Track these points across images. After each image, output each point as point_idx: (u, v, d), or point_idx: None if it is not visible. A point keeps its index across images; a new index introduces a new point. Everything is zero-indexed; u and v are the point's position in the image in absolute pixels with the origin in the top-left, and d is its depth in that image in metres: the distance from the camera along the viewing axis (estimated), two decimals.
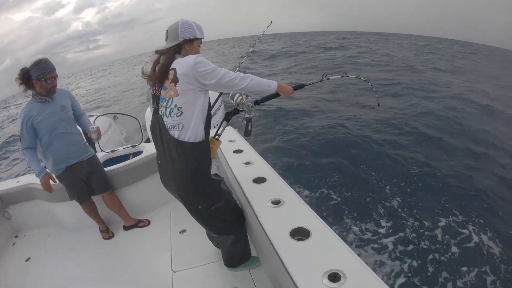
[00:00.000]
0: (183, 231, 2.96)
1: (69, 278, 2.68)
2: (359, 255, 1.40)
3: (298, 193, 2.00)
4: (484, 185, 5.50)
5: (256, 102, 2.10)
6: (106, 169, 3.17)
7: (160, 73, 1.75)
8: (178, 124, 1.74)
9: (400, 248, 4.03)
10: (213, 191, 1.95)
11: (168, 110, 1.76)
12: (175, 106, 1.73)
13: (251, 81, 1.82)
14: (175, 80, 1.70)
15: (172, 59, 1.76)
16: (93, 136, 2.98)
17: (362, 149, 7.01)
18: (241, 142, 2.95)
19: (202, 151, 1.85)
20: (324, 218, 1.71)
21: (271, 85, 1.93)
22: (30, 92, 2.59)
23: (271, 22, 3.21)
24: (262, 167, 2.43)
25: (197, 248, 2.68)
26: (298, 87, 2.21)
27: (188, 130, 1.75)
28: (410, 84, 13.43)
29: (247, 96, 1.99)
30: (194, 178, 1.85)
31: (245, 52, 3.04)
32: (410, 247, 4.06)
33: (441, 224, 4.47)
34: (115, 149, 3.73)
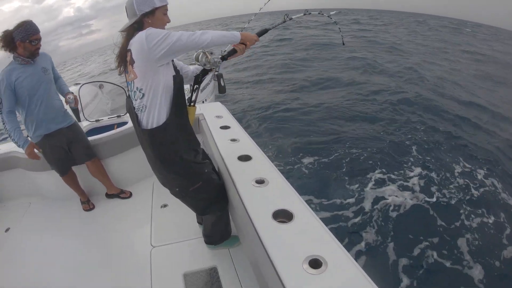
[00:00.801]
0: (165, 205, 2.91)
1: (48, 249, 2.64)
2: (341, 242, 1.37)
3: (281, 172, 1.96)
4: None
5: (223, 58, 1.94)
6: (89, 138, 3.08)
7: (120, 57, 1.66)
8: (142, 107, 1.67)
9: (384, 242, 3.95)
10: (188, 173, 1.87)
11: (132, 93, 1.69)
12: (137, 88, 1.64)
13: (213, 35, 1.66)
14: (132, 62, 1.59)
15: (129, 39, 1.63)
16: (71, 105, 2.90)
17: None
18: (228, 119, 2.88)
19: (168, 132, 1.73)
20: (309, 202, 1.67)
21: (236, 34, 1.79)
22: (11, 55, 2.52)
23: None
24: (248, 144, 2.37)
25: (178, 224, 2.65)
26: (262, 32, 2.03)
27: (152, 112, 1.67)
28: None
29: (211, 53, 1.88)
30: (164, 163, 1.80)
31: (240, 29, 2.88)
32: (396, 242, 3.94)
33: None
34: (100, 118, 3.64)
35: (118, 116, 3.58)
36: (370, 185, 4.91)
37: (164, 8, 1.68)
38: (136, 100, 1.67)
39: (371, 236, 3.97)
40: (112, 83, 4.59)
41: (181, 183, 1.89)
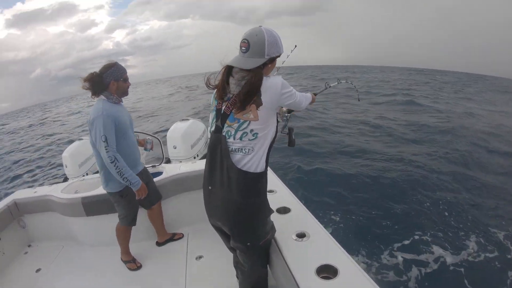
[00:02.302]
0: (200, 257, 2.86)
1: None
2: None
3: (323, 224, 1.89)
4: None
5: (289, 111, 2.14)
6: None
7: (246, 95, 1.55)
8: (246, 148, 1.60)
9: None
10: (264, 225, 1.78)
11: (240, 133, 1.59)
12: (251, 130, 1.58)
13: (307, 99, 1.91)
14: (259, 103, 1.55)
15: (261, 80, 1.57)
16: (148, 146, 3.05)
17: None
18: None
19: (265, 181, 1.71)
20: (353, 253, 1.59)
21: (310, 97, 2.02)
22: (94, 97, 2.51)
23: (296, 46, 3.18)
24: (286, 196, 2.34)
25: (213, 276, 2.58)
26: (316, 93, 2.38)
27: (254, 156, 1.60)
28: None
29: (281, 107, 1.93)
30: (254, 211, 1.69)
31: None
32: None
33: None
34: None
35: (153, 166, 3.64)
36: (419, 246, 4.59)
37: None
38: (241, 140, 1.59)
39: None
40: (147, 134, 4.72)
41: (257, 236, 1.77)
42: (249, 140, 1.58)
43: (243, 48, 1.55)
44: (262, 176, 1.66)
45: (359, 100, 3.47)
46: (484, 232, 4.78)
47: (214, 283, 2.50)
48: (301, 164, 7.58)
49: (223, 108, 1.65)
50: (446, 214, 5.37)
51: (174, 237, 3.18)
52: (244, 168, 1.59)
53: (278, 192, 2.38)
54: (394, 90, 23.34)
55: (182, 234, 3.21)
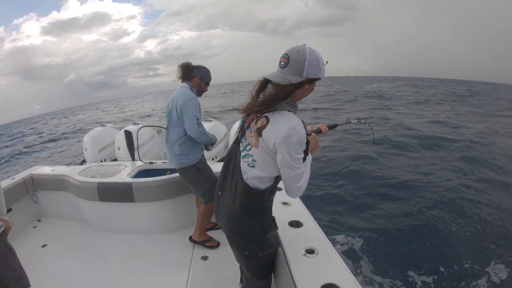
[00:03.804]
0: (205, 257, 2.84)
1: (79, 275, 2.65)
2: None
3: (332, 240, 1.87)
4: None
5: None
6: (140, 179, 3.19)
7: (263, 104, 1.48)
8: (246, 174, 1.57)
9: None
10: (263, 239, 1.74)
11: (244, 152, 1.57)
12: (251, 156, 1.53)
13: (305, 183, 1.58)
14: (260, 132, 1.47)
15: (287, 95, 1.48)
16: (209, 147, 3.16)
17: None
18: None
19: (269, 198, 1.66)
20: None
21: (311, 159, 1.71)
22: (179, 82, 2.84)
23: (327, 62, 3.19)
24: (300, 209, 2.32)
25: (216, 278, 2.57)
26: (331, 127, 2.34)
27: (258, 177, 1.56)
28: None
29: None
30: (253, 225, 1.68)
31: None
32: None
33: None
34: (153, 161, 3.76)
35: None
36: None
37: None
38: (244, 158, 1.58)
39: None
40: None
41: (253, 247, 1.75)
42: (247, 166, 1.56)
43: (282, 63, 1.45)
44: (266, 192, 1.60)
45: (374, 143, 3.15)
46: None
47: (217, 284, 2.49)
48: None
49: (246, 120, 1.62)
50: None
51: (206, 243, 3.00)
52: (248, 182, 1.57)
53: (292, 205, 2.37)
54: None
55: (218, 242, 3.00)
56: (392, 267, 4.48)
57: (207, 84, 2.90)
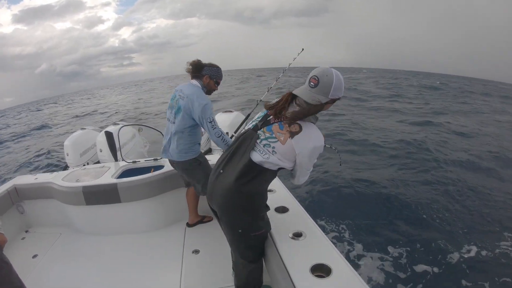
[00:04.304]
0: (196, 251, 2.88)
1: (72, 282, 2.65)
2: None
3: (320, 226, 1.94)
4: None
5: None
6: (125, 179, 3.18)
7: (298, 116, 1.68)
8: (265, 154, 1.72)
9: None
10: (258, 218, 1.89)
11: (265, 142, 1.73)
12: (273, 148, 1.71)
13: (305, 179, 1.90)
14: (293, 135, 1.67)
15: (317, 112, 1.71)
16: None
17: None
18: None
19: (268, 179, 1.84)
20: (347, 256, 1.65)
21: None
22: (190, 80, 2.86)
23: (303, 49, 3.18)
24: (285, 195, 2.38)
25: (209, 271, 2.61)
26: None
27: (269, 163, 1.73)
28: None
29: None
30: (252, 200, 1.82)
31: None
32: None
33: None
34: (137, 160, 3.75)
35: (155, 159, 3.68)
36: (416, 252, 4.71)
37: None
38: (264, 147, 1.73)
39: None
40: (151, 127, 4.75)
41: (249, 226, 1.87)
42: (267, 151, 1.72)
43: (312, 83, 1.64)
44: (266, 172, 1.76)
45: (340, 165, 3.09)
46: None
47: (210, 277, 2.53)
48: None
49: (271, 116, 1.78)
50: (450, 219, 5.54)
51: (204, 220, 3.32)
52: (263, 162, 1.73)
53: (277, 192, 2.42)
54: None
55: (212, 217, 3.25)
56: (377, 245, 4.74)
57: (217, 83, 2.93)
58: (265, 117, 1.81)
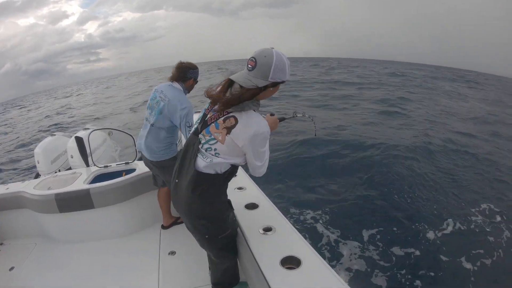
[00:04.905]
0: (172, 252, 2.94)
1: None
2: (350, 283, 1.42)
3: (290, 218, 2.02)
4: None
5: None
6: (97, 184, 3.18)
7: (228, 104, 1.57)
8: (209, 159, 1.67)
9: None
10: (220, 220, 1.88)
11: (206, 146, 1.68)
12: (215, 149, 1.65)
13: (263, 170, 1.81)
14: (229, 130, 1.59)
15: (250, 97, 1.58)
16: None
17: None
18: None
19: (226, 179, 1.78)
20: (315, 246, 1.73)
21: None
22: (171, 83, 2.87)
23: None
24: (255, 192, 2.46)
25: (186, 271, 2.67)
26: (281, 119, 2.22)
27: (216, 165, 1.68)
28: None
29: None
30: (212, 206, 1.80)
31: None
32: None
33: None
34: (108, 164, 3.75)
35: (127, 163, 3.69)
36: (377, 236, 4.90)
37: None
38: (206, 151, 1.68)
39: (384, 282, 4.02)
40: (122, 131, 4.73)
41: (212, 230, 1.88)
42: (209, 155, 1.67)
43: (250, 66, 1.53)
44: (217, 178, 1.72)
45: (315, 135, 3.21)
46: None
47: (188, 278, 2.59)
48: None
49: (208, 116, 1.70)
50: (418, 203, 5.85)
51: (178, 220, 3.34)
52: (207, 167, 1.68)
53: (247, 189, 2.50)
54: None
55: None
56: (347, 232, 4.94)
57: (196, 82, 3.00)
58: (203, 117, 1.74)
